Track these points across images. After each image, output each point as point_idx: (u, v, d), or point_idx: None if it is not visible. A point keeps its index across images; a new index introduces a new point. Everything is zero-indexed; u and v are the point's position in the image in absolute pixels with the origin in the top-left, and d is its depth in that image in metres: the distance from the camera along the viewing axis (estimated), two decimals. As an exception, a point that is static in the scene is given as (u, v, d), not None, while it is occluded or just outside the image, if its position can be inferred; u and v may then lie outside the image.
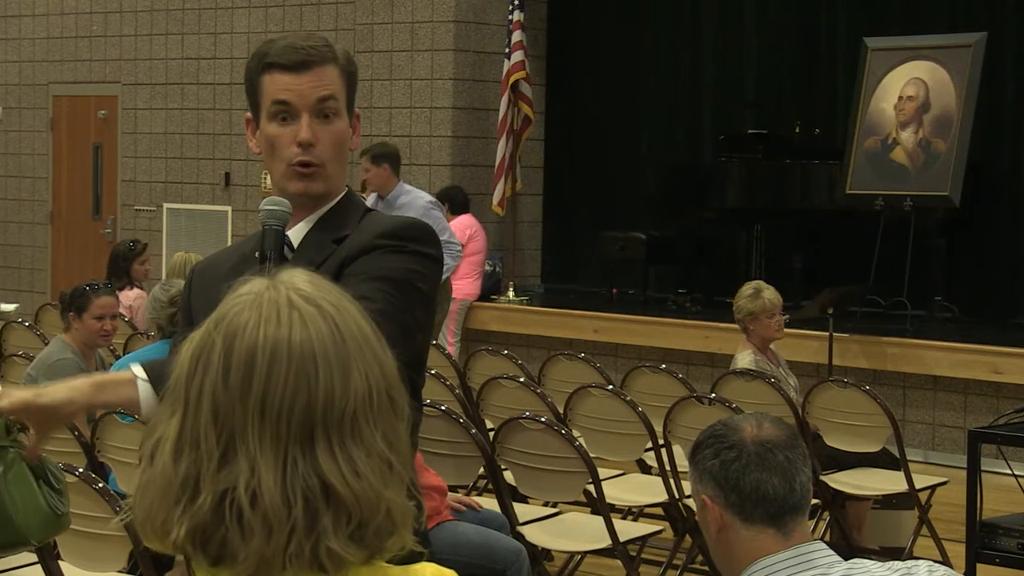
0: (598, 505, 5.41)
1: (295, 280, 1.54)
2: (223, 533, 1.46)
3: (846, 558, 2.57)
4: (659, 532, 5.83)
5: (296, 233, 2.58)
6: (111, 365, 6.15)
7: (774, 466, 2.58)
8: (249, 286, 1.54)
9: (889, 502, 6.72)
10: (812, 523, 6.45)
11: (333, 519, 1.46)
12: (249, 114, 2.60)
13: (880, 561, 2.51)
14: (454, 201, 11.02)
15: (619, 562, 5.51)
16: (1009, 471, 5.12)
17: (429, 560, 1.59)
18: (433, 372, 6.44)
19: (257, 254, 2.51)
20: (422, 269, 2.52)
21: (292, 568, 1.46)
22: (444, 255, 2.99)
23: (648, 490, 6.20)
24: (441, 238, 4.17)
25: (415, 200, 8.95)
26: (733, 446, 2.61)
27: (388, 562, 1.53)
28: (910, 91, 10.08)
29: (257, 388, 1.47)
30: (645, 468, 6.59)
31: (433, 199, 9.44)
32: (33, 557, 4.35)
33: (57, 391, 2.37)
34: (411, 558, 1.55)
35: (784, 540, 2.58)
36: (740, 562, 2.60)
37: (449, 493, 5.14)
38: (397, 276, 2.46)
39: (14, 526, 2.87)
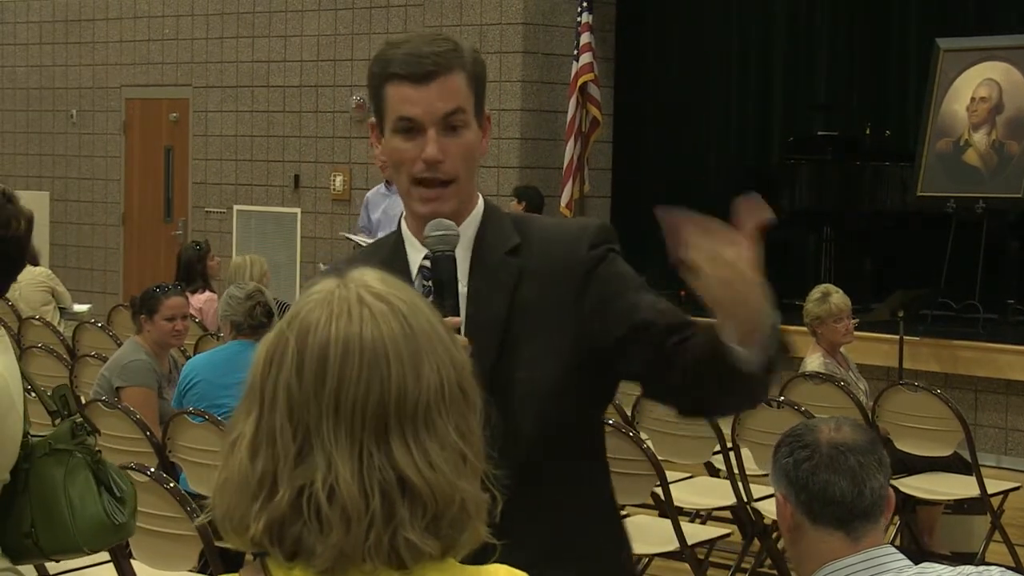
0: (666, 508, 5.40)
1: (366, 278, 1.56)
2: (300, 528, 1.47)
3: (917, 563, 2.55)
4: (727, 535, 5.81)
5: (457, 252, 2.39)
6: (183, 366, 6.21)
7: (844, 469, 2.58)
8: (320, 285, 1.56)
9: (960, 507, 6.65)
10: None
11: (409, 511, 1.48)
12: (373, 119, 2.43)
13: (951, 566, 2.50)
14: (531, 201, 11.01)
15: (687, 565, 5.50)
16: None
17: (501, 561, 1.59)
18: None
19: (429, 282, 2.34)
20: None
21: (370, 562, 1.48)
22: None
23: (716, 493, 6.18)
24: None
25: None
26: (807, 446, 2.62)
27: (462, 561, 1.54)
28: (983, 92, 9.98)
29: (331, 383, 1.49)
30: (713, 471, 6.56)
31: None
32: (105, 556, 4.40)
33: None
34: (484, 554, 1.56)
35: (853, 545, 2.57)
36: (810, 563, 2.60)
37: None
38: (637, 277, 2.46)
39: (67, 532, 2.88)
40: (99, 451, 2.97)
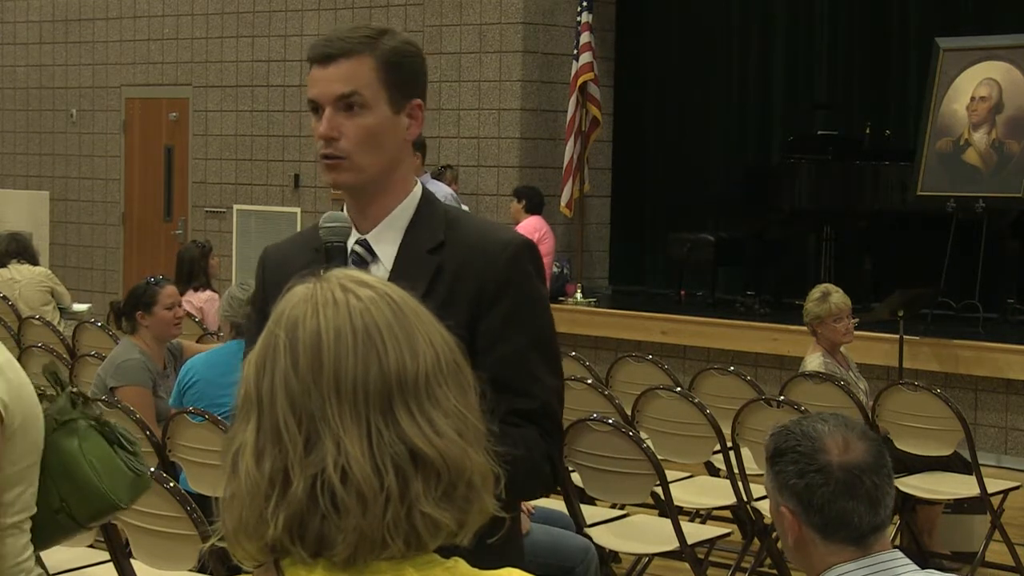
0: (666, 507, 5.40)
1: (344, 272, 1.57)
2: (319, 519, 1.46)
3: (918, 564, 2.54)
4: (727, 535, 5.80)
5: (379, 238, 2.53)
6: (184, 361, 6.19)
7: (861, 494, 2.53)
8: (300, 286, 1.56)
9: (960, 506, 6.64)
10: (882, 527, 6.39)
11: (423, 483, 1.47)
12: None
13: (952, 567, 2.49)
14: (530, 201, 11.02)
15: (687, 565, 5.49)
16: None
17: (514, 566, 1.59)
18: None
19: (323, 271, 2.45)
20: (546, 295, 2.55)
21: (391, 543, 1.47)
22: None
23: (716, 492, 6.17)
24: None
25: (439, 190, 8.96)
26: (820, 470, 2.54)
27: (471, 541, 1.54)
28: (983, 92, 9.98)
29: (328, 367, 1.48)
30: (713, 470, 6.56)
31: (455, 194, 9.52)
32: (105, 555, 4.40)
33: None
34: (493, 529, 1.56)
35: (863, 552, 2.55)
36: (816, 569, 2.57)
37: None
38: (545, 328, 2.50)
39: (102, 493, 2.91)
40: (100, 412, 3.00)
